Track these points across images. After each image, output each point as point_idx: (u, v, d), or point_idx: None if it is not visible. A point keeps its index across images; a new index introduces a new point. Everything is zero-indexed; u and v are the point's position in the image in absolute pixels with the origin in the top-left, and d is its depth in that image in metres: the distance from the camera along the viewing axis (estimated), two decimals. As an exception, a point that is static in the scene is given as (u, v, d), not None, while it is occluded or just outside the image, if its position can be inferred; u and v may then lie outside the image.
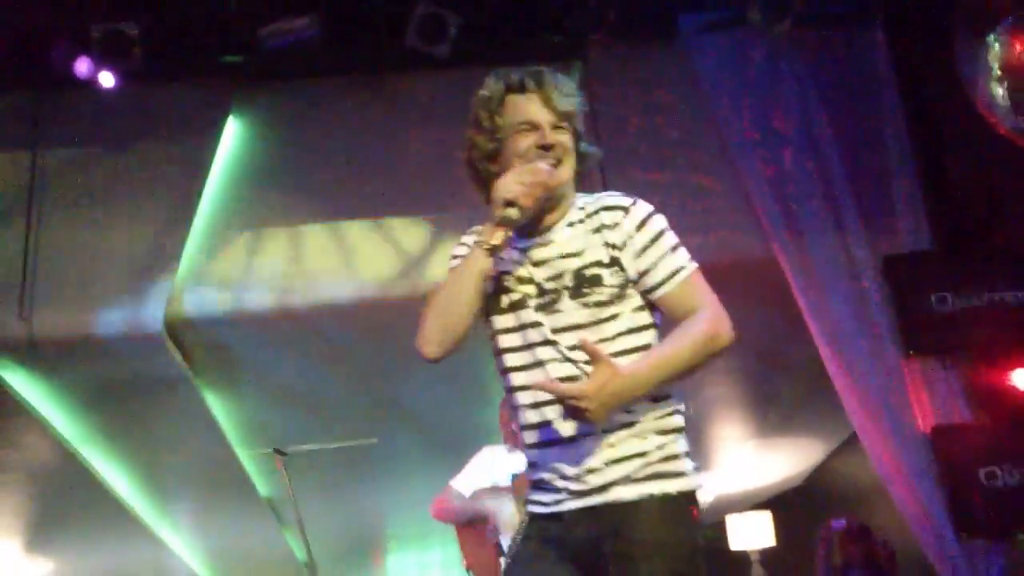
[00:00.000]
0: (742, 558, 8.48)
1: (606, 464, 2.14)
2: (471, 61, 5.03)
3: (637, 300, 2.22)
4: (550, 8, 5.45)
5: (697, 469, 2.23)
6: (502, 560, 3.87)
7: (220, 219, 5.74)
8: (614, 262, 2.20)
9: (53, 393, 6.07)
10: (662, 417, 2.20)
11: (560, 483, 2.19)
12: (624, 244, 2.20)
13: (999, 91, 4.47)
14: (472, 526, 4.03)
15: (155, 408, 6.48)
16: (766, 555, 8.35)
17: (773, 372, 6.90)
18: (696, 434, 7.71)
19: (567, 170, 2.30)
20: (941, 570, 4.97)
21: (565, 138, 2.31)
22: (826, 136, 5.55)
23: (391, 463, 8.22)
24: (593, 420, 2.02)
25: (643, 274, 2.19)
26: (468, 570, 4.11)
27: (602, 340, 2.16)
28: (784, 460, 8.86)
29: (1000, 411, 5.17)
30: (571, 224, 2.27)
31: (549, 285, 2.22)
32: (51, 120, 5.58)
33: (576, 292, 2.19)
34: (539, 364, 2.22)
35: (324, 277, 5.77)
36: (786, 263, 5.37)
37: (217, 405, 6.87)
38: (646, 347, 2.20)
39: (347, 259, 5.73)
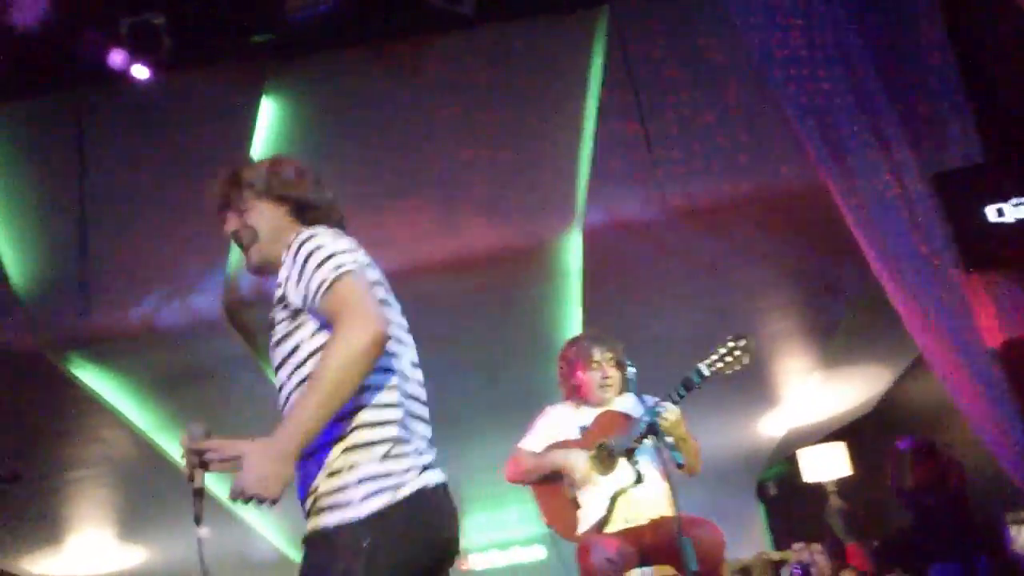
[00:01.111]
0: (818, 490, 8.44)
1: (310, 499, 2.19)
2: (496, 18, 5.00)
3: (314, 324, 2.22)
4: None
5: (379, 493, 2.12)
6: (579, 514, 3.91)
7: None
8: (282, 298, 2.24)
9: (124, 386, 6.23)
10: (339, 443, 2.16)
11: None
12: (287, 277, 2.22)
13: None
14: (547, 482, 4.05)
15: (223, 391, 6.62)
16: (842, 485, 8.29)
17: (831, 301, 6.82)
18: (759, 370, 7.71)
19: (253, 252, 2.38)
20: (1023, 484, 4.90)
21: (230, 226, 2.41)
22: (863, 53, 5.41)
23: (460, 428, 8.30)
24: (270, 496, 2.02)
25: (304, 298, 2.19)
26: (549, 526, 4.13)
27: (296, 368, 2.20)
28: (852, 388, 8.76)
29: (1069, 318, 5.05)
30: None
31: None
32: (93, 117, 5.68)
33: (269, 338, 2.29)
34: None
35: (368, 247, 5.80)
36: (834, 188, 5.27)
37: (282, 382, 6.98)
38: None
39: (388, 229, 5.77)
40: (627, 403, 4.02)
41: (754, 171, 5.48)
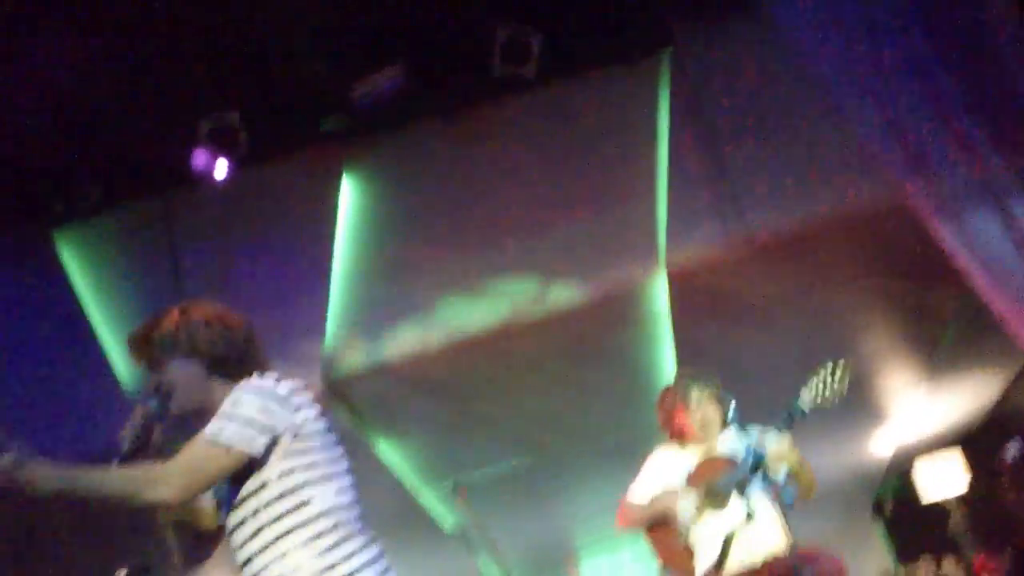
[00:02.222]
0: (938, 503, 8.22)
1: None
2: (560, 75, 5.07)
3: (280, 466, 2.31)
4: (627, 6, 5.43)
5: None
6: (694, 560, 3.88)
7: (354, 278, 5.95)
8: None
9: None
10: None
11: None
12: None
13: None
14: (659, 527, 4.04)
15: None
16: (963, 495, 8.07)
17: (928, 315, 6.68)
18: (864, 388, 7.55)
19: (172, 406, 2.42)
20: None
21: (153, 382, 2.44)
22: (936, 60, 5.31)
23: (567, 476, 8.31)
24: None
25: None
26: (665, 568, 4.12)
27: (256, 511, 2.30)
28: (962, 397, 8.53)
29: None
30: None
31: None
32: (182, 220, 5.88)
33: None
34: None
35: (461, 312, 5.91)
36: (919, 201, 5.17)
37: (389, 450, 7.10)
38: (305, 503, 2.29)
39: (480, 290, 5.85)
40: (730, 438, 4.00)
41: (834, 194, 5.43)
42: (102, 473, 2.19)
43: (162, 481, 2.17)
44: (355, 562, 2.27)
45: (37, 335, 6.08)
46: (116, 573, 3.73)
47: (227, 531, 2.37)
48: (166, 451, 2.38)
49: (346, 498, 2.35)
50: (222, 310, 2.50)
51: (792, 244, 5.69)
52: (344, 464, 2.42)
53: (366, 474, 7.04)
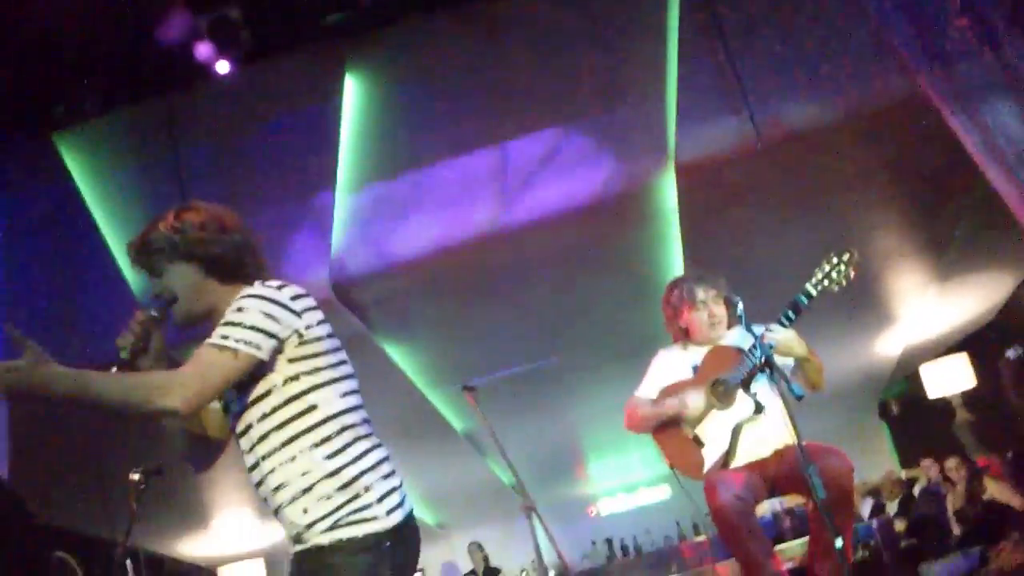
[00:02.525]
0: (943, 406, 8.27)
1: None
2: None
3: (286, 372, 2.32)
4: None
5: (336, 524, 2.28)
6: (702, 452, 3.90)
7: (360, 174, 5.90)
8: None
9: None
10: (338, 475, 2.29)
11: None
12: None
13: None
14: (666, 427, 4.05)
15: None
16: (968, 398, 8.10)
17: (940, 212, 6.62)
18: (873, 288, 7.52)
19: (175, 312, 2.42)
20: None
21: (155, 290, 2.44)
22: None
23: (575, 378, 8.37)
24: None
25: None
26: (672, 468, 4.13)
27: (263, 416, 2.31)
28: (971, 298, 8.51)
29: None
30: None
31: None
32: (185, 119, 5.82)
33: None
34: None
35: (470, 211, 5.87)
36: (935, 93, 5.07)
37: (398, 354, 7.14)
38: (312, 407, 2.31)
39: (491, 187, 5.81)
40: (736, 337, 3.99)
41: (847, 89, 5.32)
42: (114, 379, 2.18)
43: (172, 389, 2.15)
44: (362, 464, 2.30)
45: (46, 242, 6.10)
46: (130, 473, 3.79)
47: (235, 436, 2.39)
48: (165, 356, 2.41)
49: (351, 402, 2.36)
50: (218, 211, 2.46)
51: (803, 140, 5.61)
52: (348, 368, 2.41)
53: (376, 376, 7.15)
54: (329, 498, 2.26)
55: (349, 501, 2.26)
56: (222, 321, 2.26)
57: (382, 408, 7.56)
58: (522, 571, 10.66)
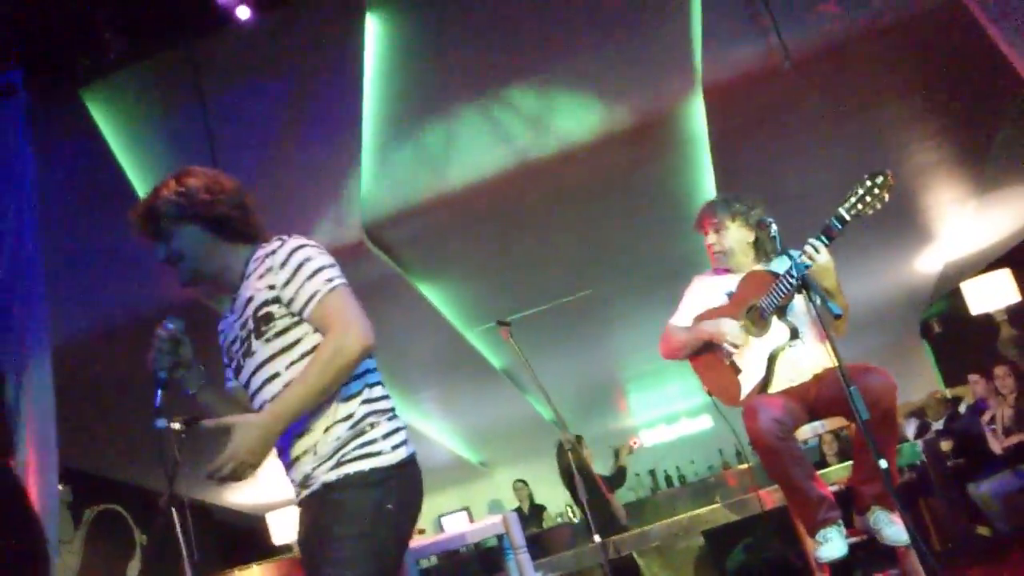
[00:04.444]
0: (986, 322, 8.16)
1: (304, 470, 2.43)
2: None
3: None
4: None
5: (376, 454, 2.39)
6: (739, 379, 3.88)
7: (388, 114, 5.86)
8: (277, 299, 2.42)
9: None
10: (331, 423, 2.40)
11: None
12: (276, 280, 2.41)
13: None
14: (703, 353, 4.02)
15: (377, 310, 6.78)
16: (1012, 313, 7.98)
17: (980, 123, 6.47)
18: (910, 206, 7.40)
19: (183, 272, 2.52)
20: None
21: (159, 255, 2.54)
22: None
23: (611, 310, 8.36)
24: (243, 475, 2.34)
25: (291, 303, 2.40)
26: (711, 395, 4.11)
27: (291, 364, 2.41)
28: (1011, 213, 8.36)
29: None
30: (246, 277, 2.50)
31: (242, 333, 2.48)
32: (208, 67, 5.80)
33: (258, 332, 2.44)
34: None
35: (499, 145, 5.82)
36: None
37: (433, 293, 7.16)
38: None
39: (507, 125, 5.74)
40: (772, 261, 3.94)
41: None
42: (302, 382, 2.32)
43: (347, 338, 2.29)
44: (369, 404, 2.43)
45: (78, 197, 6.13)
46: (173, 420, 3.84)
47: (253, 387, 2.47)
48: (196, 364, 2.57)
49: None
50: (216, 174, 2.57)
51: (834, 57, 5.47)
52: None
53: (412, 317, 7.17)
54: (338, 438, 2.37)
55: (355, 437, 2.38)
56: (309, 272, 2.37)
57: (419, 349, 7.69)
58: (568, 506, 10.77)
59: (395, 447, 2.40)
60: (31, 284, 4.80)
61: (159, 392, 2.46)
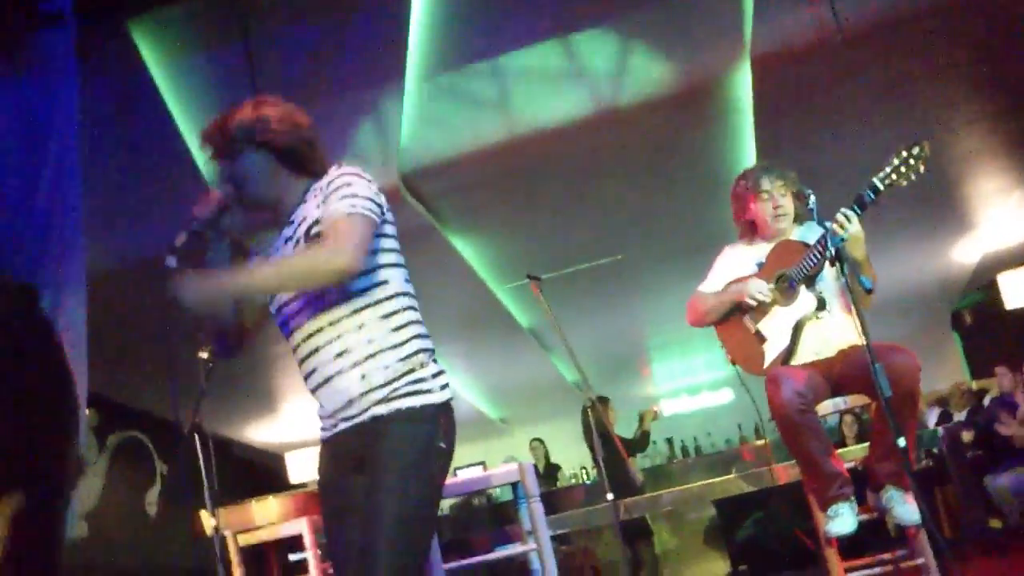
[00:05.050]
0: (1019, 316, 8.08)
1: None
2: None
3: None
4: None
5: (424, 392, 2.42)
6: (763, 347, 3.85)
7: (431, 64, 5.83)
8: (317, 222, 2.44)
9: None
10: (399, 348, 2.44)
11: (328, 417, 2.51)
12: (322, 201, 2.44)
13: None
14: (729, 319, 4.00)
15: (408, 260, 6.83)
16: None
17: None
18: (951, 192, 7.32)
19: (244, 195, 2.55)
20: None
21: (222, 172, 2.58)
22: None
23: (640, 276, 8.34)
24: (183, 302, 2.33)
25: (324, 220, 2.41)
26: (733, 364, 4.09)
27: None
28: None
29: None
30: (302, 203, 2.53)
31: (288, 250, 2.52)
32: (254, 6, 5.78)
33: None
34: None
35: (541, 103, 5.80)
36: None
37: (465, 247, 7.18)
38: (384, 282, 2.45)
39: (558, 80, 5.71)
40: (804, 231, 3.90)
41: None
42: (285, 264, 2.43)
43: (336, 254, 2.30)
44: (421, 342, 2.47)
45: (121, 130, 6.17)
46: (198, 352, 3.89)
47: (294, 309, 2.48)
48: (235, 236, 2.59)
49: (411, 288, 2.53)
50: (291, 107, 2.62)
51: (887, 33, 5.39)
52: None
53: (442, 269, 7.20)
54: (388, 367, 2.40)
55: (407, 373, 2.41)
56: (341, 195, 2.38)
57: (448, 301, 7.72)
58: (582, 467, 10.83)
59: (442, 387, 2.46)
60: (71, 213, 4.85)
61: (185, 234, 2.47)
